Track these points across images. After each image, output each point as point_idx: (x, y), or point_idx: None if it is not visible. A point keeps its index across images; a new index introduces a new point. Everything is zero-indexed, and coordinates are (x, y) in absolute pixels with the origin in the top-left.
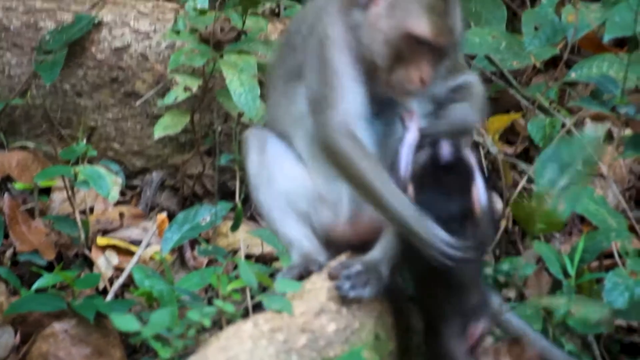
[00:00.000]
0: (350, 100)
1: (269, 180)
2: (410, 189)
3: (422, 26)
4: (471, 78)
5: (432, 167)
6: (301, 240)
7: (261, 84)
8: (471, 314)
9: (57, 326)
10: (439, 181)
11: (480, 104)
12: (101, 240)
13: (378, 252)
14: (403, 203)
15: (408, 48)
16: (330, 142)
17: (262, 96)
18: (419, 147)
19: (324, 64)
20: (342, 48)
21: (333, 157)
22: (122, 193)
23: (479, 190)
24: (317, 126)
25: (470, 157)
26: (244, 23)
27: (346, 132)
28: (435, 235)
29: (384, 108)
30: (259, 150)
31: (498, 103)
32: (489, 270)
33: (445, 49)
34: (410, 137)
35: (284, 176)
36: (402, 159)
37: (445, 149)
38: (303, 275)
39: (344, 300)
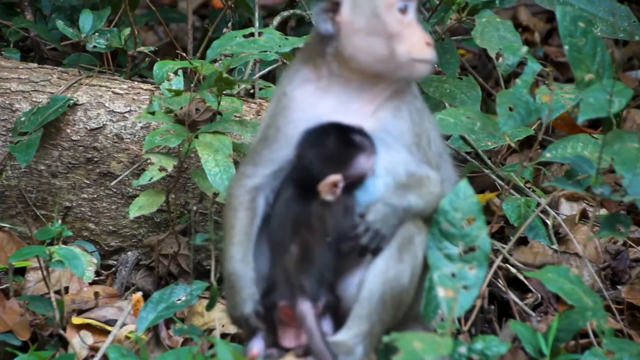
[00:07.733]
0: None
1: None
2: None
3: None
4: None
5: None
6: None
7: (236, 164)
8: (299, 289)
9: None
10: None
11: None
12: (76, 320)
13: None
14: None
15: (396, 20)
16: (227, 192)
17: None
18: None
19: (263, 122)
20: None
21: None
22: (97, 273)
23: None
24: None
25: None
26: (219, 104)
27: (239, 187)
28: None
29: None
30: None
31: (473, 183)
32: (462, 349)
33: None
34: None
35: None
36: None
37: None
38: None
39: None
